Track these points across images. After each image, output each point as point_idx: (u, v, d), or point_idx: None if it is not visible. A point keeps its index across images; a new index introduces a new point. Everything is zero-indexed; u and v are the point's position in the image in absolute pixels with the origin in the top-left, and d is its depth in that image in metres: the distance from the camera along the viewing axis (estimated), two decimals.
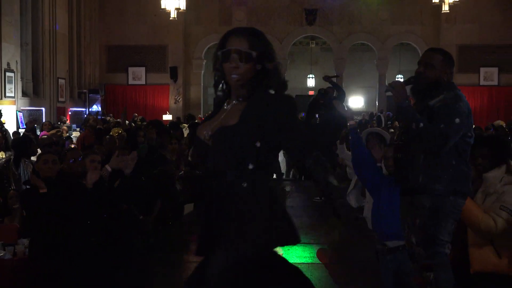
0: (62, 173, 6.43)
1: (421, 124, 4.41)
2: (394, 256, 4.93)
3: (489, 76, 27.01)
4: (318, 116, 11.08)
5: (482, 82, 27.01)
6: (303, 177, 13.99)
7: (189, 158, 11.41)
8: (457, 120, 4.42)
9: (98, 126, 14.88)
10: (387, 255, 5.01)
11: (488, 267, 5.04)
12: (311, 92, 28.32)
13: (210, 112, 3.86)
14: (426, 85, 4.64)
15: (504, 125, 17.84)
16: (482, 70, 26.97)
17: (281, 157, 17.07)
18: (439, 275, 4.48)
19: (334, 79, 11.69)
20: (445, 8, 22.36)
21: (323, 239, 8.69)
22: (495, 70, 26.93)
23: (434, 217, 4.46)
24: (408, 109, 4.50)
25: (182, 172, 10.92)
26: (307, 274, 6.79)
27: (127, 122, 19.35)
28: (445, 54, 4.76)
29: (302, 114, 21.86)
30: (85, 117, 22.83)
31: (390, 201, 5.00)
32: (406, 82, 4.69)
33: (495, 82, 27.02)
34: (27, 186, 6.42)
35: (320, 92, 11.62)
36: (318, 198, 11.38)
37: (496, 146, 4.98)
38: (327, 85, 12.78)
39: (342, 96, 11.53)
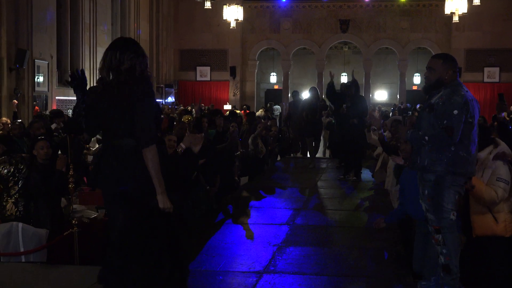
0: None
1: (426, 138, 4.41)
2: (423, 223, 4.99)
3: (491, 74, 26.70)
4: (345, 106, 10.95)
5: (485, 80, 26.71)
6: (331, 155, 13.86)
7: (249, 141, 11.39)
8: (456, 111, 4.33)
9: (171, 115, 14.99)
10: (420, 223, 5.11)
11: (487, 231, 5.09)
12: None
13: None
14: (429, 85, 4.62)
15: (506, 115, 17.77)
16: (486, 69, 26.67)
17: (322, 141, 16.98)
18: (446, 236, 4.48)
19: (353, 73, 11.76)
20: (455, 18, 22.06)
21: (348, 205, 8.69)
22: (496, 69, 26.59)
23: (437, 188, 4.46)
24: (412, 137, 4.58)
25: (239, 152, 10.96)
26: (334, 234, 6.82)
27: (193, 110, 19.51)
28: (446, 58, 4.64)
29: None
30: (162, 106, 23.06)
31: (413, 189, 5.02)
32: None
33: (497, 80, 26.68)
34: None
35: (346, 85, 11.41)
36: (342, 176, 11.14)
37: (482, 132, 4.89)
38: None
39: (354, 83, 11.19)
